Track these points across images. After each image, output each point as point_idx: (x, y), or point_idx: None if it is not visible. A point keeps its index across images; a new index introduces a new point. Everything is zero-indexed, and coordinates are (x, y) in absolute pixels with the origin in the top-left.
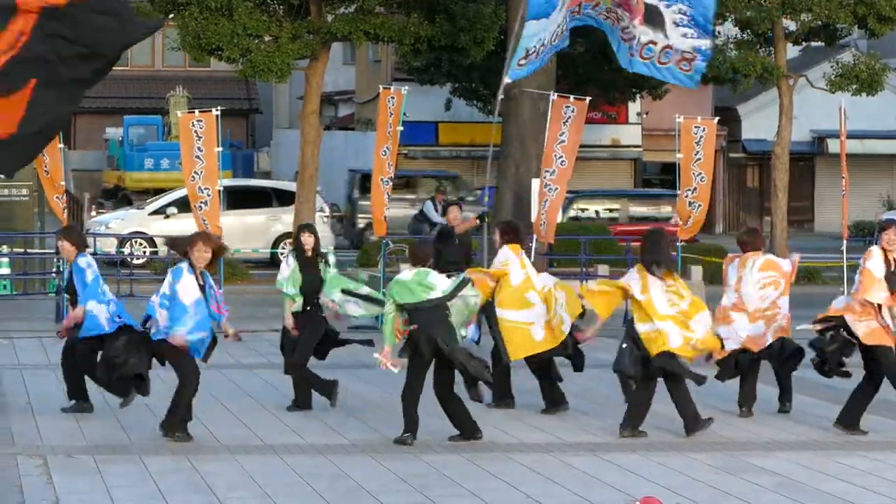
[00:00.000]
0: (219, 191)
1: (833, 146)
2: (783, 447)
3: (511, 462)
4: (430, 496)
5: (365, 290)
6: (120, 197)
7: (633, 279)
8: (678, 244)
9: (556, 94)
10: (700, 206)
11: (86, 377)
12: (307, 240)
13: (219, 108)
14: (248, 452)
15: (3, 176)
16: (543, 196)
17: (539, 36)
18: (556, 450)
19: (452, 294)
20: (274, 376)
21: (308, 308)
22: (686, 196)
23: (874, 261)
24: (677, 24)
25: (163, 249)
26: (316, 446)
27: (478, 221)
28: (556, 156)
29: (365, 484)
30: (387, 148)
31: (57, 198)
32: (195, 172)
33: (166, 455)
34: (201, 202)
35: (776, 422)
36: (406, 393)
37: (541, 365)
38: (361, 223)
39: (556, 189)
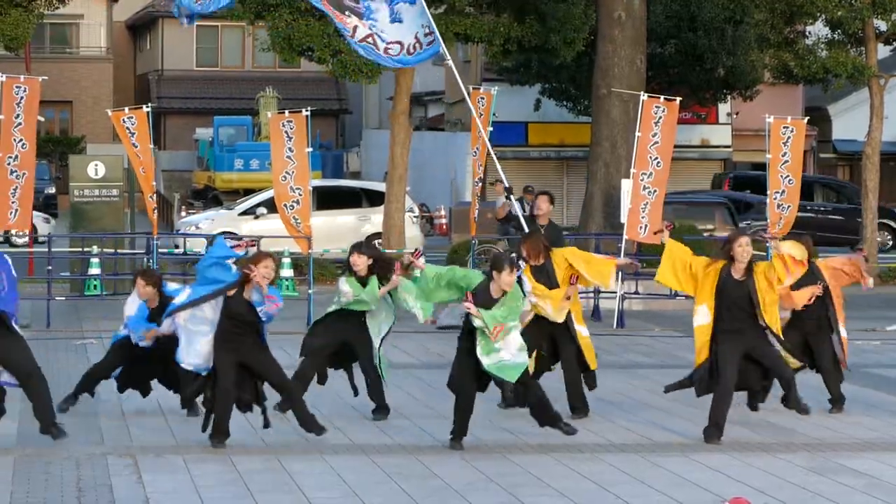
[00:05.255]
0: (309, 191)
1: None
2: (873, 448)
3: (600, 462)
4: (519, 496)
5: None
6: (210, 197)
7: None
8: (768, 245)
9: (646, 94)
10: (790, 207)
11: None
12: (356, 260)
13: (309, 108)
14: (337, 452)
15: (96, 175)
16: (642, 199)
17: None
18: (645, 450)
19: None
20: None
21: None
22: (775, 198)
23: None
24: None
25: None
26: (404, 446)
27: (505, 197)
28: (651, 158)
29: (453, 483)
30: (476, 149)
31: (150, 197)
32: (286, 172)
33: (255, 454)
34: (292, 202)
35: (866, 422)
36: None
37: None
38: None
39: (656, 191)
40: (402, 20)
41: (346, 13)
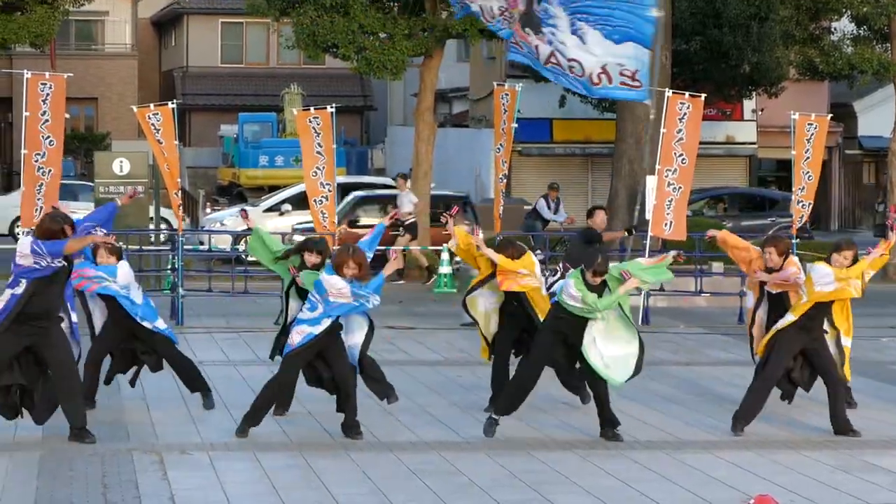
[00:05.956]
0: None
1: None
2: None
3: (624, 459)
4: (544, 493)
5: None
6: (235, 194)
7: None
8: (793, 241)
9: (670, 90)
10: (810, 204)
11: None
12: (311, 259)
13: (334, 105)
14: (362, 449)
15: (121, 171)
16: (667, 195)
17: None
18: (670, 447)
19: None
20: (391, 372)
21: None
22: (797, 194)
23: None
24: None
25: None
26: (429, 442)
27: (625, 233)
28: (675, 154)
29: (478, 480)
30: (500, 145)
31: (175, 193)
32: (317, 168)
33: (280, 451)
34: (322, 197)
35: (891, 419)
36: None
37: None
38: None
39: (681, 188)
40: (585, 41)
41: (526, 29)
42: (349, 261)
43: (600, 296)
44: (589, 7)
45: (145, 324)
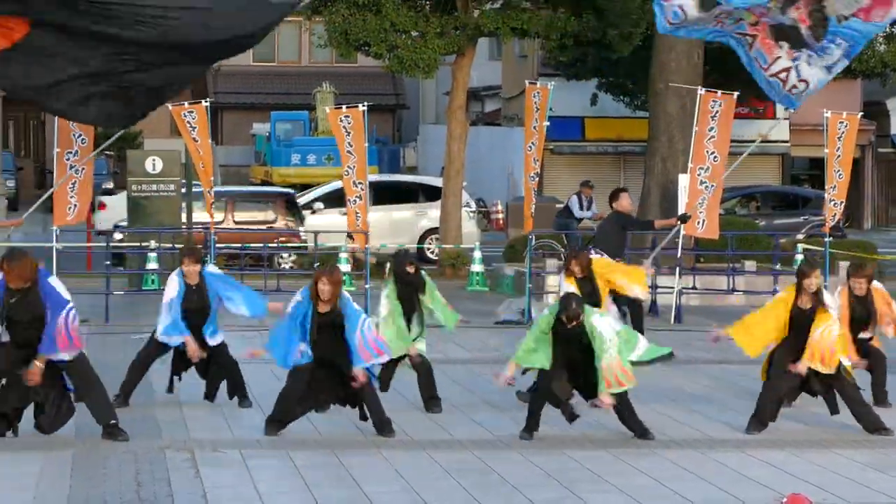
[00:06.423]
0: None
1: None
2: None
3: (657, 458)
4: (576, 491)
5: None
6: None
7: None
8: (826, 240)
9: (703, 88)
10: (842, 203)
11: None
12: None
13: (365, 103)
14: (394, 447)
15: (154, 170)
16: (699, 194)
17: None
18: (703, 446)
19: None
20: None
21: None
22: (829, 193)
23: None
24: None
25: (310, 245)
26: (462, 441)
27: (678, 222)
28: (707, 152)
29: (510, 479)
30: (532, 143)
31: (208, 192)
32: (348, 167)
33: (312, 449)
34: (356, 196)
35: None
36: None
37: None
38: None
39: (713, 186)
40: (822, 57)
41: (780, 43)
42: (322, 277)
43: (579, 337)
44: (848, 35)
45: (212, 342)
